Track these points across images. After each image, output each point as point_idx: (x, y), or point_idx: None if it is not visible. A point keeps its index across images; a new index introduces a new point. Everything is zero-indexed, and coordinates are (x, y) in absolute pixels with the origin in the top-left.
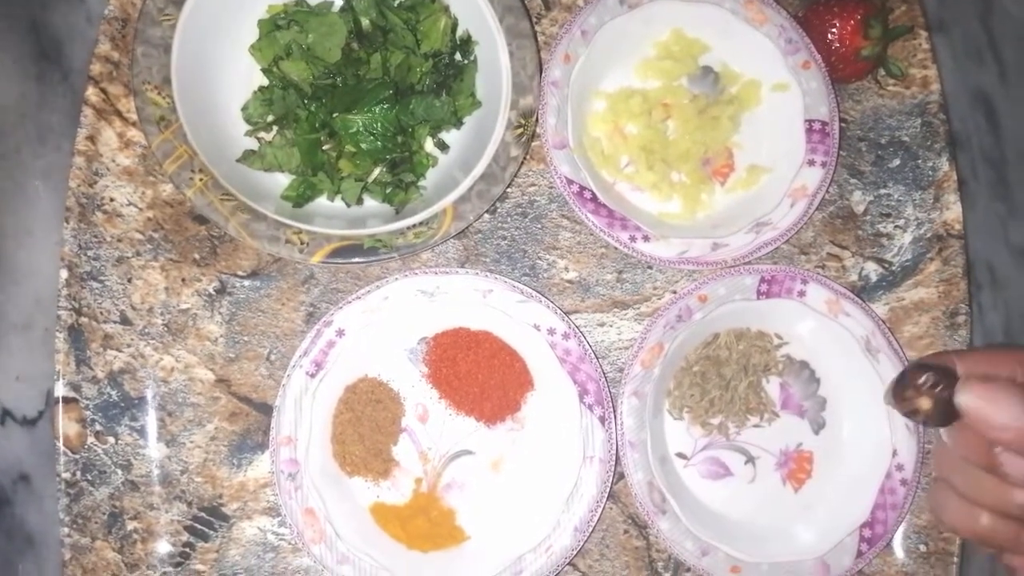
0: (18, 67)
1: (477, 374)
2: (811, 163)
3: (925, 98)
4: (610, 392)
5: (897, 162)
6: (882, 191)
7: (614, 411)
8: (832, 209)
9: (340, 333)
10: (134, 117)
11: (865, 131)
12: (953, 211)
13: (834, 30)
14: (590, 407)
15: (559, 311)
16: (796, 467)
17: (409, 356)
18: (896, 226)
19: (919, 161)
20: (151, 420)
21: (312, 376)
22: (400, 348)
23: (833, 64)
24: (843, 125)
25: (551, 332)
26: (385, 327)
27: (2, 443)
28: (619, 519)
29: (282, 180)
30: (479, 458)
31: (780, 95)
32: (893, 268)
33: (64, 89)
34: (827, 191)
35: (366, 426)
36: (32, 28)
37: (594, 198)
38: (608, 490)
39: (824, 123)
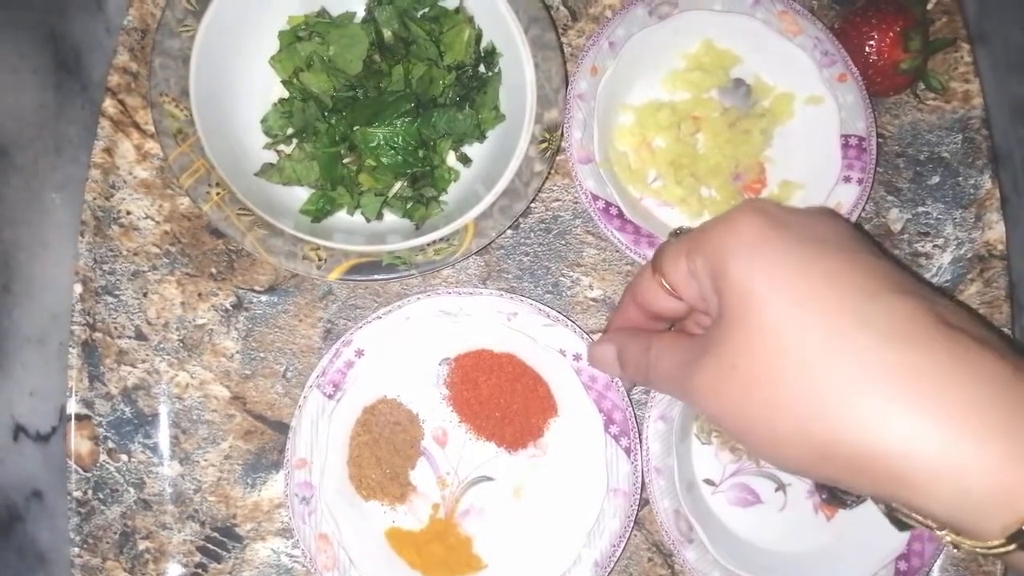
0: (37, 77)
1: (499, 398)
2: (847, 180)
3: (967, 113)
4: (636, 421)
5: (937, 179)
6: (921, 209)
7: (640, 440)
8: (868, 227)
9: (359, 353)
10: (152, 129)
11: (903, 147)
12: (996, 231)
13: (872, 42)
14: (615, 437)
15: (586, 336)
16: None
17: (430, 378)
18: (935, 245)
19: (960, 178)
20: (165, 438)
21: (330, 397)
22: (421, 369)
23: (870, 77)
24: (880, 140)
25: (577, 358)
26: (406, 347)
27: (15, 459)
28: (643, 547)
29: (301, 194)
30: (499, 485)
31: (815, 109)
32: None
33: (83, 100)
34: (863, 209)
35: (383, 448)
36: (51, 38)
37: (620, 214)
38: (632, 524)
39: (861, 138)
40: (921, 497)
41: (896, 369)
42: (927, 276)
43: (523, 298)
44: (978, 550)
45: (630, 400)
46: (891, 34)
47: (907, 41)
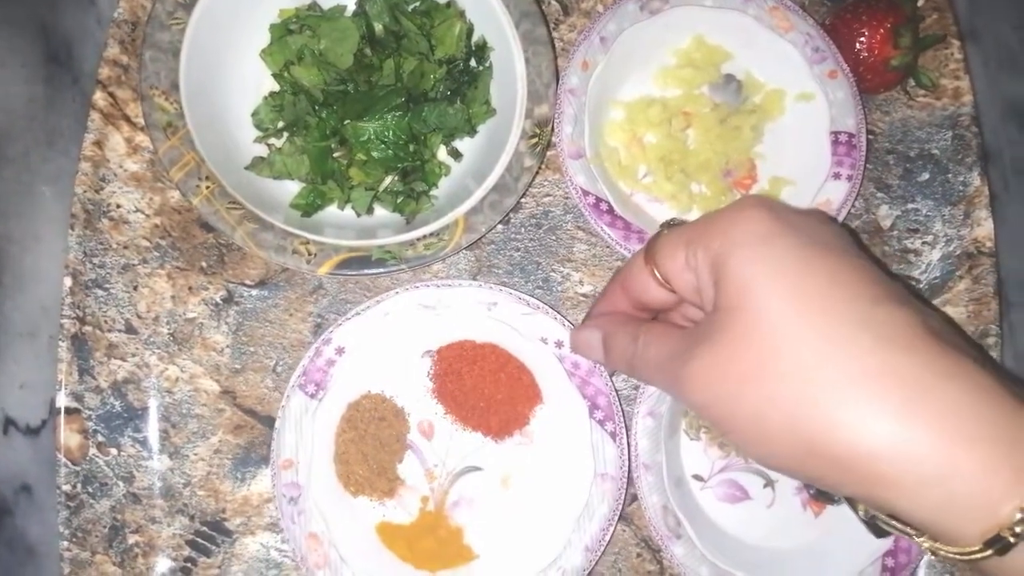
0: (27, 70)
1: (483, 388)
2: (836, 176)
3: (957, 110)
4: (622, 408)
5: (926, 176)
6: (910, 206)
7: (626, 427)
8: (858, 224)
9: (340, 351)
10: (142, 122)
11: (893, 143)
12: (984, 228)
13: (862, 39)
14: (600, 422)
15: (566, 323)
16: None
17: (413, 371)
18: (924, 242)
19: (949, 175)
20: (154, 431)
21: (312, 396)
22: (403, 363)
23: (861, 74)
24: (870, 137)
25: (559, 345)
26: (388, 342)
27: (5, 452)
28: (632, 542)
29: (291, 188)
30: (487, 474)
31: (805, 105)
32: (920, 286)
33: (74, 93)
34: (852, 205)
35: (369, 444)
36: (42, 30)
37: (610, 210)
38: (620, 508)
39: (851, 135)
40: (905, 500)
41: (892, 373)
42: (916, 273)
43: (502, 287)
44: (955, 556)
45: (613, 385)
46: (882, 31)
47: (897, 38)
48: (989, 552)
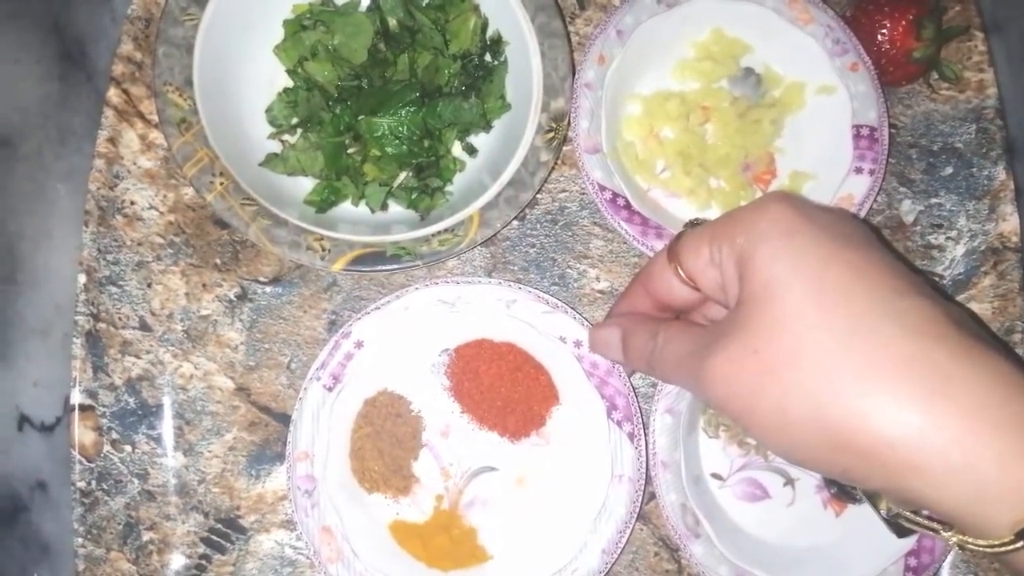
0: (41, 67)
1: (500, 387)
2: (858, 171)
3: (981, 103)
4: (640, 408)
5: (950, 170)
6: (933, 200)
7: (644, 428)
8: (880, 219)
9: (359, 345)
10: (156, 119)
11: (916, 137)
12: (1010, 223)
13: (884, 31)
14: (618, 423)
15: (586, 322)
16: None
17: (430, 368)
18: (948, 238)
19: (973, 169)
20: (168, 429)
21: (330, 389)
22: (421, 360)
23: (883, 67)
24: (892, 131)
25: (577, 344)
26: (406, 338)
27: (20, 450)
28: (650, 541)
29: (305, 184)
30: (503, 475)
31: (826, 98)
32: (944, 282)
33: (88, 90)
34: (875, 200)
35: (385, 441)
36: (55, 28)
37: (627, 205)
38: (638, 510)
39: (873, 128)
40: (933, 489)
41: (915, 361)
42: (940, 269)
43: (521, 286)
44: (985, 549)
45: (632, 386)
46: (904, 22)
47: (920, 29)
48: (1020, 544)
